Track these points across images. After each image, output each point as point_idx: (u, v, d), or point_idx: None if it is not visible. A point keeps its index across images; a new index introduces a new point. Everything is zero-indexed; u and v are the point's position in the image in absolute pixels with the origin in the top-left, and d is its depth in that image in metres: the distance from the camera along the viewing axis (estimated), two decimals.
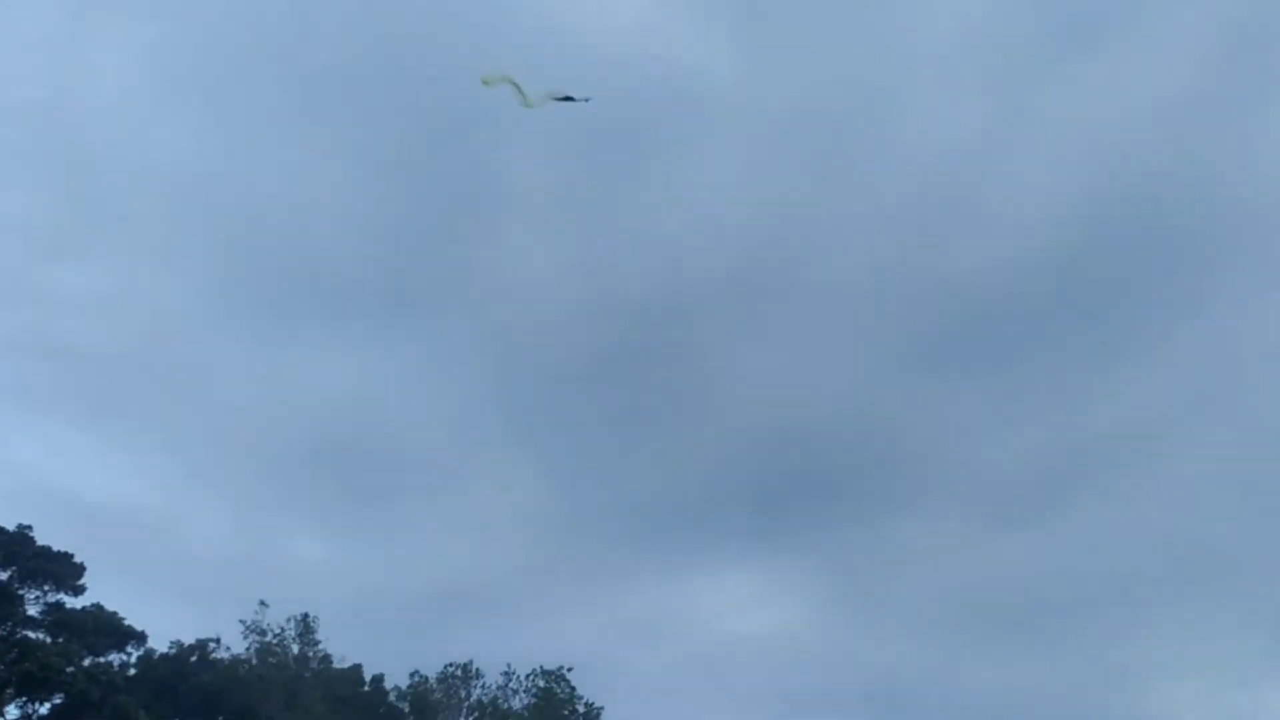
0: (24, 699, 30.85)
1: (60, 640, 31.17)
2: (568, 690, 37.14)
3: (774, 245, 57.35)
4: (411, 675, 36.43)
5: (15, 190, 54.83)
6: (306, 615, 34.49)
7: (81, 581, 32.69)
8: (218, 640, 34.16)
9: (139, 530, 45.01)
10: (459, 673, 36.32)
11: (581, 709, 37.24)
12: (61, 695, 30.53)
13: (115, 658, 32.98)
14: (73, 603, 32.34)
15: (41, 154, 56.84)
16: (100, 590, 32.56)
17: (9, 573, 31.60)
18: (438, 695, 36.14)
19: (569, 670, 37.31)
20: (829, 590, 53.27)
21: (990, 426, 57.11)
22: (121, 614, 33.11)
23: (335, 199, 56.42)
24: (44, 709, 30.69)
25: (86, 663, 31.24)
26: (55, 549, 32.14)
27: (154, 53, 54.69)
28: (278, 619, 34.18)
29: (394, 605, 44.31)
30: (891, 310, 57.02)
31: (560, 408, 55.50)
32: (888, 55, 55.89)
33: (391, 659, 37.63)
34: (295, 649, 34.20)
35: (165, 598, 39.35)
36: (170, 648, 34.53)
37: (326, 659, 34.54)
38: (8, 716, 30.73)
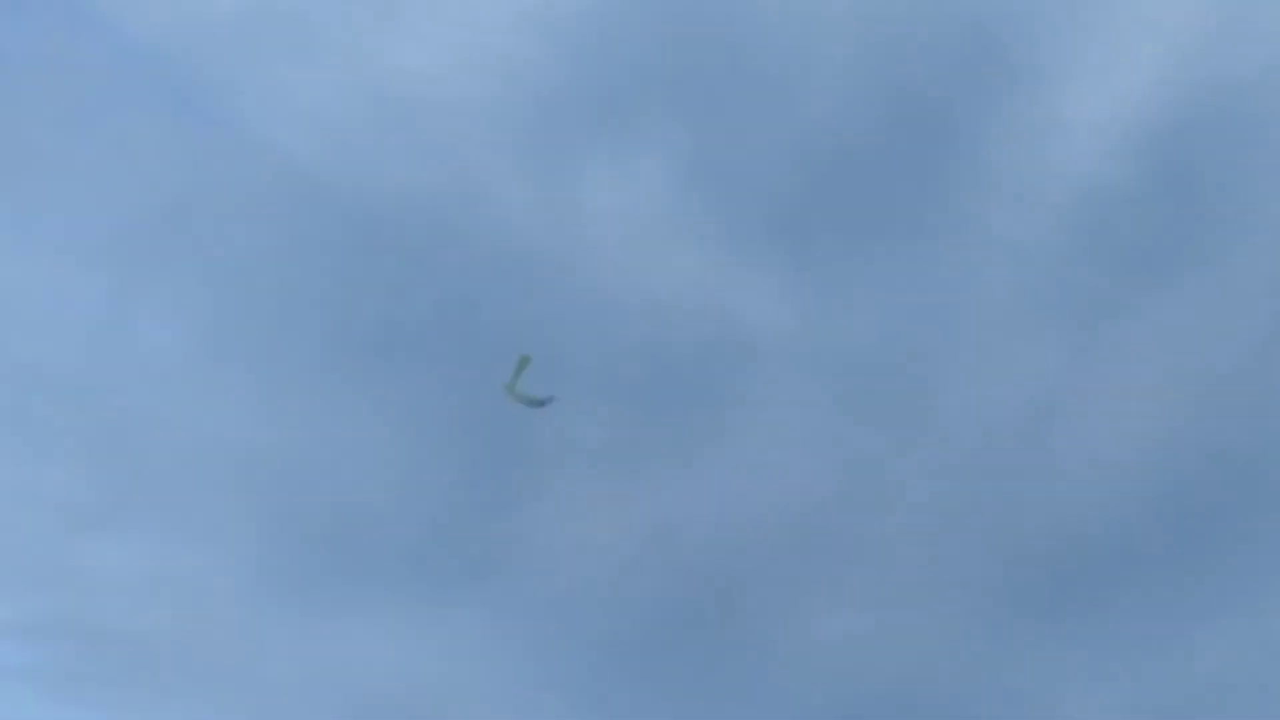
0: None
1: None
2: None
3: (839, 499, 55.01)
4: None
5: (54, 467, 53.69)
6: None
7: None
8: None
9: None
10: None
11: None
12: None
13: None
14: None
15: (80, 428, 55.85)
16: None
17: None
18: None
19: None
20: None
21: (1072, 687, 53.49)
22: None
23: (384, 463, 54.75)
24: None
25: None
26: None
27: (198, 321, 54.22)
28: None
29: None
30: (963, 564, 54.24)
31: (621, 673, 52.23)
32: (949, 302, 54.84)
33: None
34: None
35: None
36: None
37: None
38: None
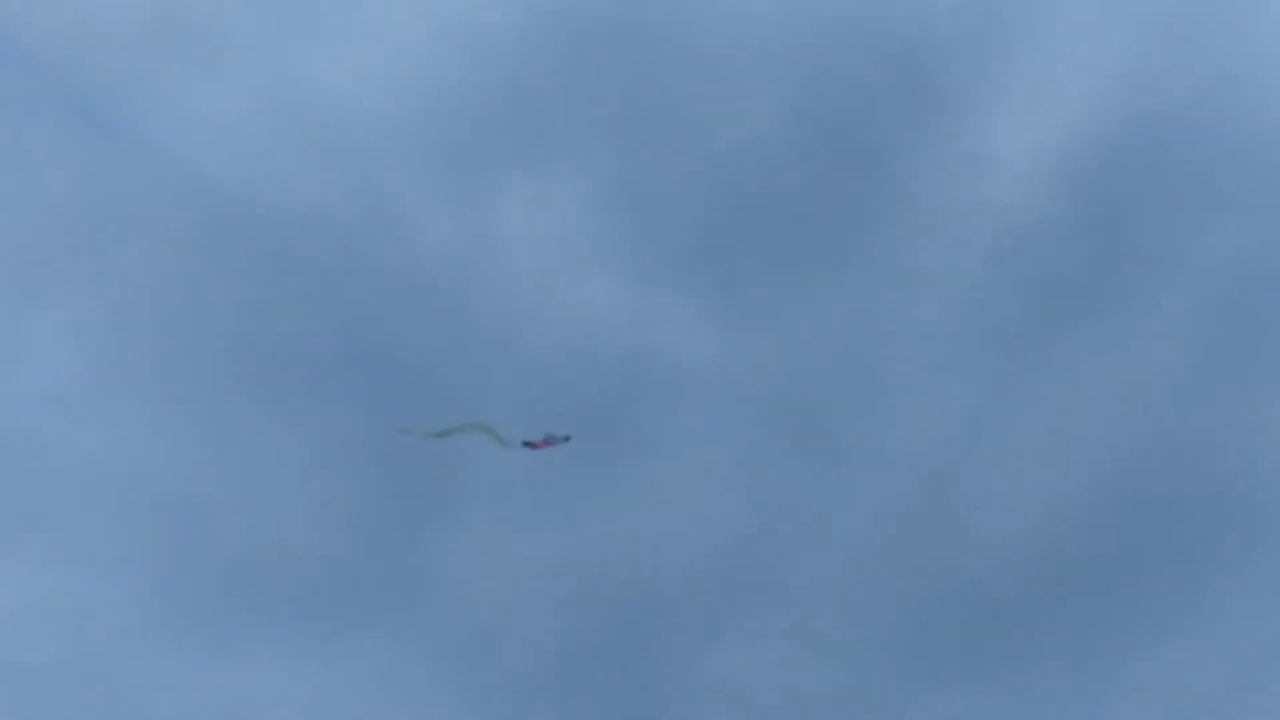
0: None
1: None
2: None
3: (758, 535, 54.04)
4: None
5: None
6: None
7: None
8: None
9: None
10: None
11: None
12: None
13: None
14: None
15: None
16: None
17: None
18: None
19: None
20: None
21: None
22: None
23: (288, 492, 52.89)
24: None
25: None
26: None
27: (94, 340, 52.09)
28: None
29: None
30: (882, 606, 53.44)
31: (536, 710, 50.71)
32: (873, 333, 54.17)
33: None
34: None
35: None
36: None
37: None
38: None
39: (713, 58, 52.71)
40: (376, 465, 56.81)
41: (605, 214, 55.29)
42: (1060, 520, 56.41)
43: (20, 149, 45.34)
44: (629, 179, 54.54)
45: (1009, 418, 60.62)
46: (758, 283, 57.49)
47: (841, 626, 58.77)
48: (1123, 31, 54.25)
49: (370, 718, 55.08)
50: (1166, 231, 54.82)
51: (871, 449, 59.40)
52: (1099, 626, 55.74)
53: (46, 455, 52.82)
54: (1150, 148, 53.85)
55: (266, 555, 56.96)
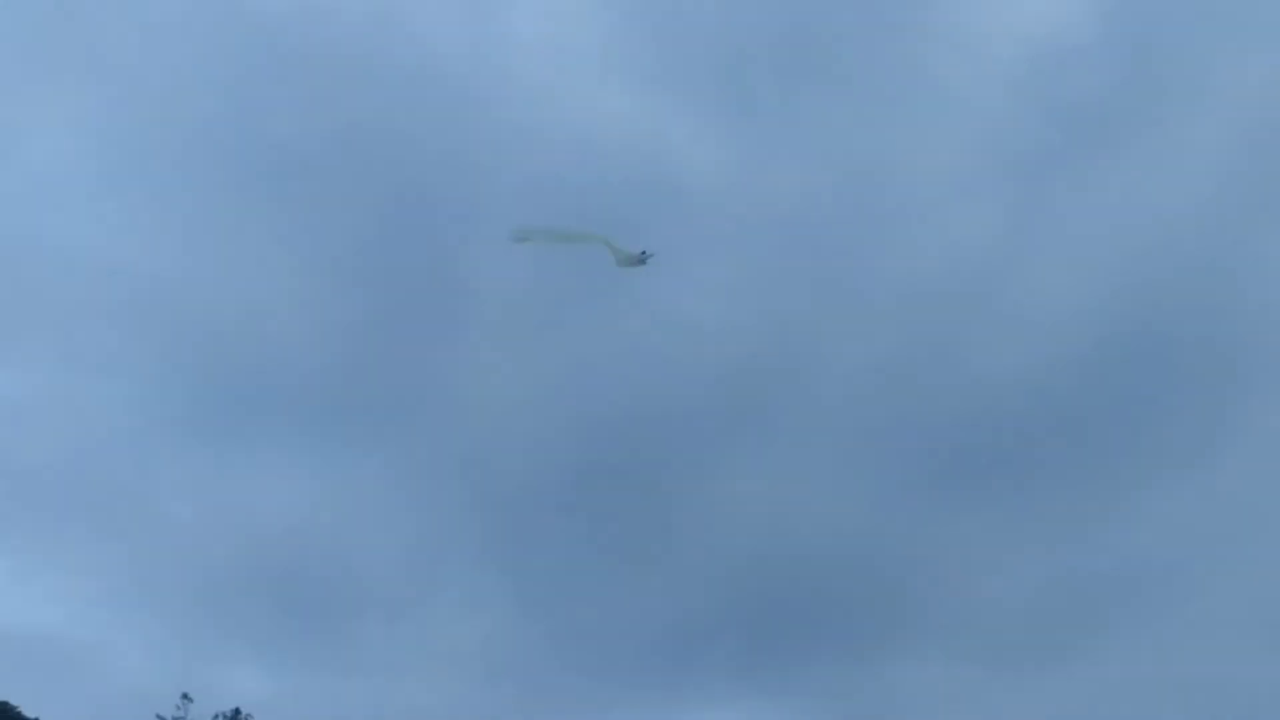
0: None
1: None
2: None
3: (766, 357, 53.18)
4: None
5: None
6: (238, 712, 29.98)
7: None
8: None
9: (56, 661, 40.08)
10: None
11: None
12: None
13: None
14: None
15: None
16: None
17: None
18: None
19: None
20: None
21: (995, 559, 52.40)
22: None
23: (290, 297, 52.16)
24: None
25: None
26: None
27: (89, 126, 50.72)
28: (203, 716, 30.15)
29: None
30: (890, 431, 52.77)
31: (532, 530, 50.74)
32: (892, 156, 52.50)
33: None
34: None
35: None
36: None
37: None
38: None
39: None
40: (378, 273, 55.99)
41: (619, 19, 53.28)
42: (1079, 348, 55.41)
43: None
44: None
45: (1030, 243, 59.18)
46: (777, 97, 55.62)
47: (847, 450, 58.36)
48: None
49: (363, 528, 55.21)
50: (1198, 58, 52.60)
51: (884, 273, 58.15)
52: (1113, 455, 55.09)
53: (41, 255, 52.11)
54: None
55: (265, 358, 56.53)
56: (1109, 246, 54.09)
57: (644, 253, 17.08)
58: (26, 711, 29.40)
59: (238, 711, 30.38)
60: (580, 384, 55.93)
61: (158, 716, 29.76)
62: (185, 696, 29.99)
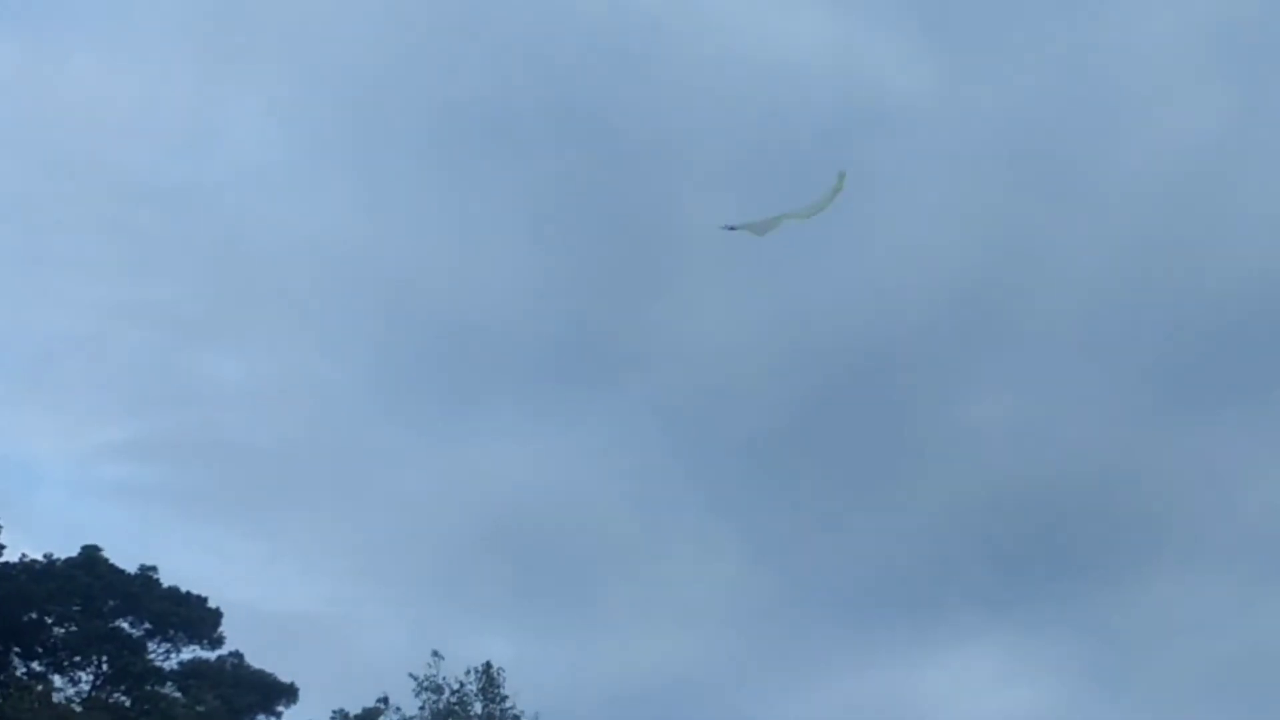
0: None
1: (194, 694, 26.47)
2: None
3: (993, 277, 51.04)
4: None
5: (161, 278, 51.68)
6: (489, 666, 29.21)
7: (220, 631, 28.27)
8: (386, 700, 29.05)
9: (305, 636, 40.29)
10: None
11: None
12: None
13: None
14: (207, 655, 28.04)
15: (184, 237, 53.77)
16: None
17: (130, 620, 27.13)
18: None
19: None
20: (1083, 666, 45.96)
21: (1256, 468, 49.09)
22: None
23: (496, 256, 52.16)
24: None
25: None
26: (185, 590, 27.71)
27: (289, 114, 51.49)
28: (455, 672, 29.44)
29: (594, 706, 38.75)
30: (1133, 340, 50.11)
31: (762, 475, 49.67)
32: (1103, 55, 50.07)
33: None
34: (479, 707, 28.84)
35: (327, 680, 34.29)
36: (334, 717, 29.66)
37: (515, 718, 29.12)
38: None
39: None
40: (586, 231, 55.60)
41: None
42: None
43: None
44: None
45: (1262, 136, 55.90)
46: (977, 5, 53.62)
47: (1082, 371, 55.70)
48: None
49: (600, 490, 54.69)
50: None
51: (1107, 176, 55.54)
52: None
53: (260, 239, 53.07)
54: None
55: (486, 330, 56.69)
56: None
57: (841, 176, 15.81)
58: (282, 678, 29.51)
59: (489, 665, 30.01)
60: (805, 319, 54.64)
61: (410, 675, 29.30)
62: (436, 654, 29.35)
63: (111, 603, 27.82)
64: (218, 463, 50.27)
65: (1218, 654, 46.94)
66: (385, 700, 29.17)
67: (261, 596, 45.12)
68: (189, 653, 28.27)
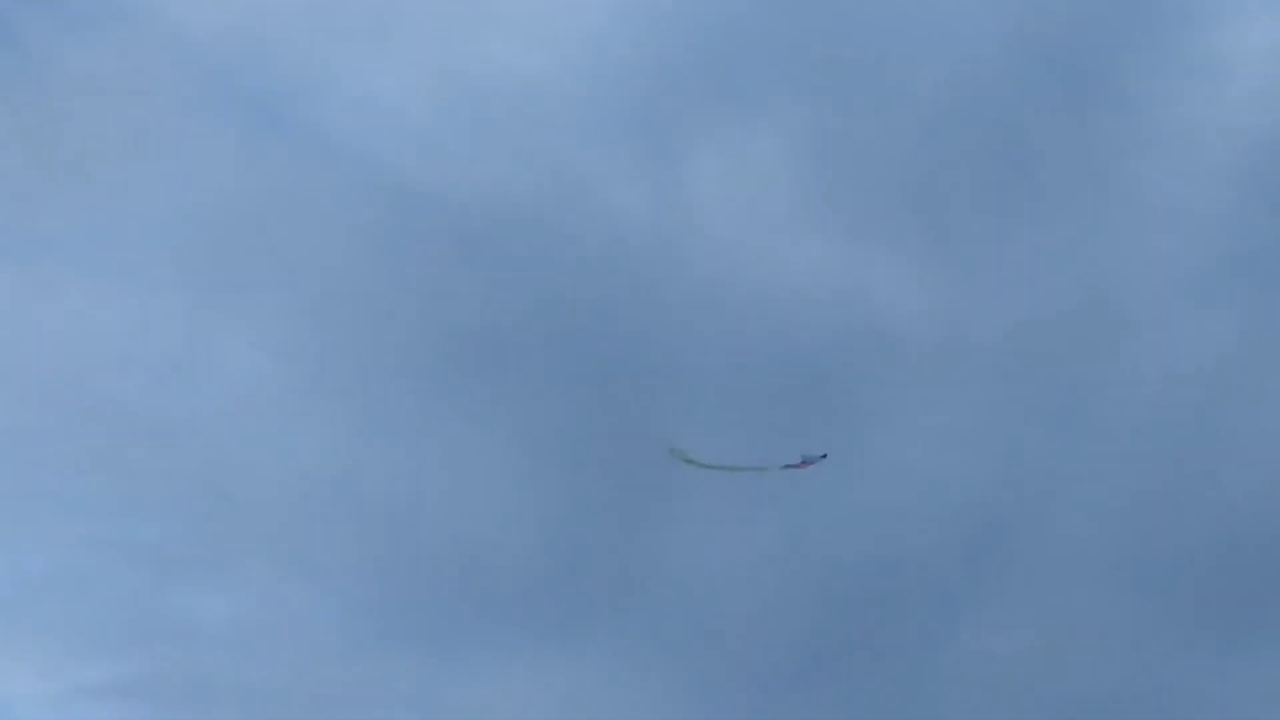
0: None
1: None
2: None
3: (1003, 500, 50.01)
4: None
5: (146, 516, 50.68)
6: None
7: None
8: None
9: None
10: None
11: None
12: None
13: None
14: None
15: (172, 472, 52.82)
16: None
17: None
18: None
19: None
20: None
21: (1273, 699, 47.69)
22: None
23: (493, 486, 51.06)
24: None
25: None
26: None
27: (285, 344, 50.91)
28: None
29: None
30: (1142, 566, 48.90)
31: (766, 708, 47.89)
32: (1108, 272, 49.73)
33: None
34: None
35: None
36: None
37: None
38: None
39: None
40: (584, 454, 54.71)
41: (805, 171, 52.16)
42: None
43: (195, 156, 44.27)
44: (827, 130, 51.38)
45: (1271, 356, 55.44)
46: (976, 229, 53.48)
47: (1095, 597, 54.35)
48: None
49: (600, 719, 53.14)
50: None
51: (1116, 401, 54.87)
52: None
53: (248, 470, 52.03)
54: None
55: (481, 556, 55.38)
56: None
57: (819, 456, 15.96)
58: None
59: None
60: (806, 550, 53.41)
61: None
62: None
63: None
64: (203, 703, 48.79)
65: None
66: None
67: None
68: None
